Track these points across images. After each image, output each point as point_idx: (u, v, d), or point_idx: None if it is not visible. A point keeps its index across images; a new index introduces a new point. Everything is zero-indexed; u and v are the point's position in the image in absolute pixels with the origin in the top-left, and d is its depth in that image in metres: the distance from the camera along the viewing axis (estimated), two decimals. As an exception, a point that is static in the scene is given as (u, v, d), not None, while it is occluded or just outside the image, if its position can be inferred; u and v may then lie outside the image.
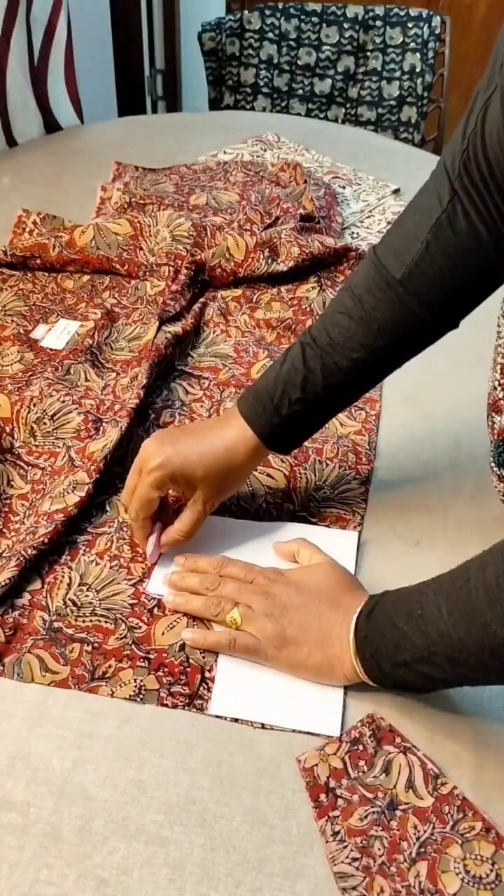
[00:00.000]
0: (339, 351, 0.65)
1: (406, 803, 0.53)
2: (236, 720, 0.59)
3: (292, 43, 1.74)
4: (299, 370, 0.66)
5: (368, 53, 1.72)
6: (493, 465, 0.68)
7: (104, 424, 0.79)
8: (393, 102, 1.75)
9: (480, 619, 0.50)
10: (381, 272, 0.63)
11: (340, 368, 0.66)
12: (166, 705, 0.59)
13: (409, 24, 1.67)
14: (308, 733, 0.58)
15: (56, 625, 0.63)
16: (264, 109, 1.80)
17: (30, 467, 0.77)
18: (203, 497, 0.67)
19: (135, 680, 0.60)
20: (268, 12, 1.71)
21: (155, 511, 0.68)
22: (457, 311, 0.65)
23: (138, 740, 0.57)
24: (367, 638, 0.57)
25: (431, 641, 0.53)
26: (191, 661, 0.62)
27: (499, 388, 0.64)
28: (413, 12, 1.67)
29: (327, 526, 0.73)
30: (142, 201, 1.14)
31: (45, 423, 0.79)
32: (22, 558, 0.65)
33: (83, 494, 0.71)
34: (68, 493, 0.72)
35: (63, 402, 0.81)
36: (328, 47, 1.72)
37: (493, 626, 0.49)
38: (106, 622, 0.64)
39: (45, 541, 0.67)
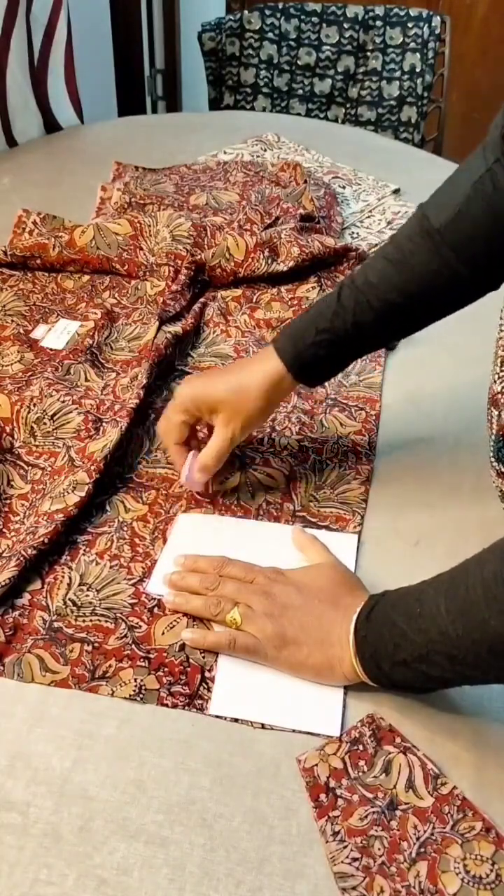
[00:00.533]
0: (373, 291, 0.68)
1: (406, 803, 0.53)
2: (236, 720, 0.58)
3: (292, 43, 1.74)
4: (331, 304, 0.70)
5: (368, 53, 1.72)
6: (492, 460, 0.68)
7: (104, 424, 0.79)
8: (393, 102, 1.75)
9: (478, 615, 0.50)
10: (422, 222, 0.66)
11: (372, 307, 0.68)
12: (166, 705, 0.59)
13: (409, 24, 1.67)
14: (308, 733, 0.58)
15: (56, 625, 0.63)
16: (264, 109, 1.80)
17: (30, 467, 0.77)
18: (226, 418, 0.71)
19: (135, 680, 0.60)
20: (268, 12, 1.71)
21: (184, 438, 0.73)
22: (494, 270, 0.66)
23: (138, 740, 0.57)
24: (366, 638, 0.57)
25: (430, 639, 0.53)
26: (191, 660, 0.62)
27: (498, 382, 0.64)
28: (413, 12, 1.67)
29: (327, 526, 0.73)
30: (142, 201, 1.14)
31: (45, 423, 0.79)
32: (22, 558, 0.65)
33: (83, 494, 0.71)
34: (68, 493, 0.72)
35: (63, 402, 0.81)
36: (328, 47, 1.72)
37: (491, 622, 0.49)
38: (106, 622, 0.64)
39: (45, 541, 0.67)
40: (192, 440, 0.75)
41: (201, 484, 0.73)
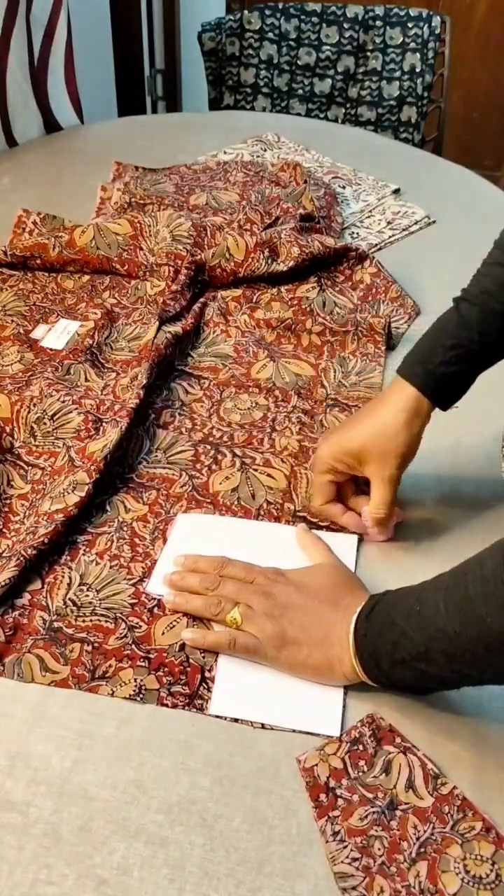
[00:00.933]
0: (493, 297, 0.67)
1: (406, 803, 0.53)
2: (236, 720, 0.58)
3: (292, 43, 1.74)
4: (452, 319, 0.68)
5: (368, 53, 1.72)
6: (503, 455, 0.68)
7: (104, 424, 0.79)
8: (393, 102, 1.74)
9: (476, 612, 0.50)
10: None
11: (497, 314, 0.67)
12: (166, 705, 0.59)
13: (409, 24, 1.67)
14: (308, 733, 0.58)
15: (56, 625, 0.63)
16: (264, 109, 1.80)
17: (30, 467, 0.77)
18: (378, 465, 0.68)
19: (135, 680, 0.60)
20: (268, 12, 1.71)
21: (334, 496, 0.72)
22: None
23: (138, 740, 0.57)
24: (365, 637, 0.57)
25: (429, 637, 0.53)
26: (191, 660, 0.62)
27: None
28: (413, 12, 1.67)
29: (328, 526, 0.73)
30: (142, 201, 1.14)
31: (45, 423, 0.79)
32: (22, 558, 0.65)
33: (83, 494, 0.71)
34: (68, 493, 0.72)
35: (63, 402, 0.81)
36: (328, 47, 1.72)
37: (489, 619, 0.49)
38: (106, 622, 0.64)
39: (45, 541, 0.67)
40: (349, 498, 0.73)
41: (385, 535, 0.71)
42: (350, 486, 0.73)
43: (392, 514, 0.70)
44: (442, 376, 0.68)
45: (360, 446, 0.68)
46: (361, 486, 0.73)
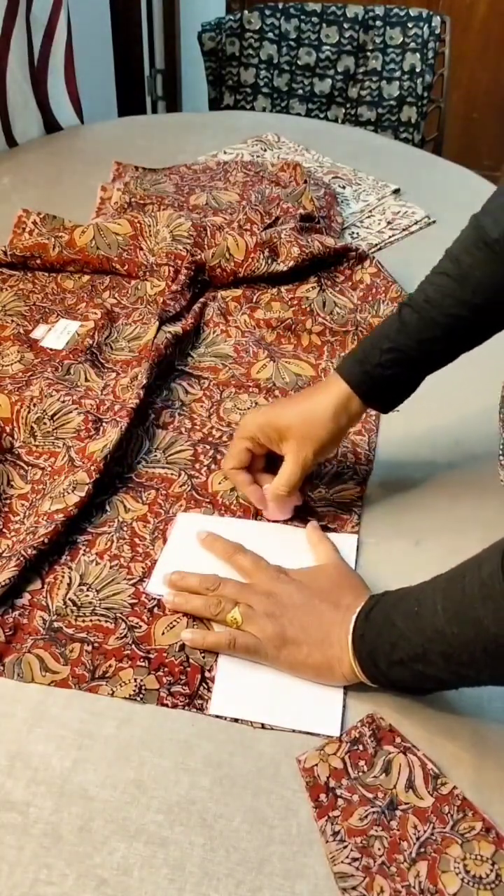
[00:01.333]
0: (435, 307, 0.67)
1: (406, 803, 0.53)
2: (236, 720, 0.58)
3: (292, 43, 1.74)
4: (393, 324, 0.69)
5: (368, 53, 1.72)
6: (501, 456, 0.68)
7: (104, 424, 0.79)
8: (393, 102, 1.75)
9: (473, 614, 0.50)
10: (479, 233, 0.66)
11: (437, 324, 0.68)
12: (166, 705, 0.59)
13: (409, 24, 1.67)
14: (308, 733, 0.58)
15: (56, 625, 0.63)
16: (264, 109, 1.80)
17: (30, 467, 0.77)
18: (296, 445, 0.70)
19: (135, 679, 0.60)
20: (268, 12, 1.71)
21: (245, 465, 0.73)
22: None
23: (138, 740, 0.57)
24: (364, 637, 0.57)
25: (427, 638, 0.53)
26: (191, 660, 0.62)
27: None
28: (413, 12, 1.67)
29: (325, 525, 0.73)
30: (142, 201, 1.14)
31: (45, 423, 0.79)
32: (22, 558, 0.65)
33: (83, 494, 0.71)
34: (68, 493, 0.72)
35: (63, 402, 0.81)
36: (328, 47, 1.72)
37: (486, 622, 0.49)
38: (106, 622, 0.64)
39: (45, 541, 0.67)
40: (257, 472, 0.75)
41: (281, 514, 0.73)
42: (261, 463, 0.75)
43: (293, 496, 0.72)
44: (379, 378, 0.69)
45: (287, 424, 0.70)
46: (270, 467, 0.75)
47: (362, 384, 0.70)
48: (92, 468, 0.73)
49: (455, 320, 0.67)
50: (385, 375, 0.69)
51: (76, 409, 0.80)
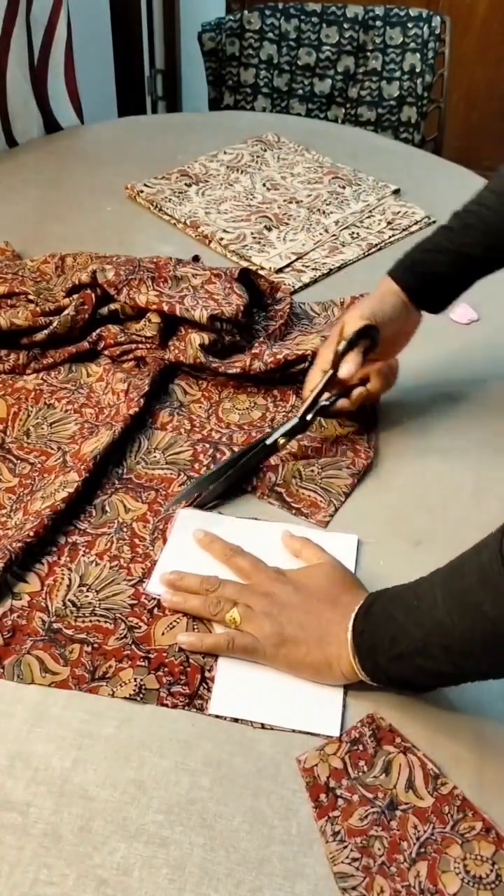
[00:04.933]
0: (475, 216, 0.77)
1: (406, 803, 0.53)
2: (236, 720, 0.58)
3: (292, 43, 1.74)
4: (437, 230, 0.79)
5: (368, 53, 1.72)
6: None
7: (100, 428, 0.79)
8: (393, 102, 1.74)
9: (473, 599, 0.50)
10: None
11: (476, 229, 0.76)
12: (166, 705, 0.59)
13: (409, 24, 1.67)
14: (308, 733, 0.58)
15: (55, 626, 0.63)
16: (264, 109, 1.80)
17: (19, 461, 0.77)
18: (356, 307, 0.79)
19: (135, 680, 0.60)
20: (268, 12, 1.71)
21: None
22: None
23: (138, 740, 0.57)
24: (363, 633, 0.57)
25: (427, 631, 0.53)
26: (191, 660, 0.62)
27: None
28: (413, 12, 1.67)
29: (299, 509, 0.73)
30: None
31: (42, 428, 0.80)
32: (7, 553, 0.65)
33: (71, 491, 0.71)
34: (59, 492, 0.72)
35: (66, 410, 0.81)
36: (328, 47, 1.72)
37: (485, 606, 0.49)
38: (106, 622, 0.64)
39: (32, 534, 0.67)
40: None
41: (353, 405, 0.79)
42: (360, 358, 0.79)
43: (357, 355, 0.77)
44: (426, 278, 0.78)
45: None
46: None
47: (412, 286, 0.78)
48: (82, 468, 0.73)
49: (495, 229, 0.75)
50: (432, 274, 0.77)
51: (76, 417, 0.81)
